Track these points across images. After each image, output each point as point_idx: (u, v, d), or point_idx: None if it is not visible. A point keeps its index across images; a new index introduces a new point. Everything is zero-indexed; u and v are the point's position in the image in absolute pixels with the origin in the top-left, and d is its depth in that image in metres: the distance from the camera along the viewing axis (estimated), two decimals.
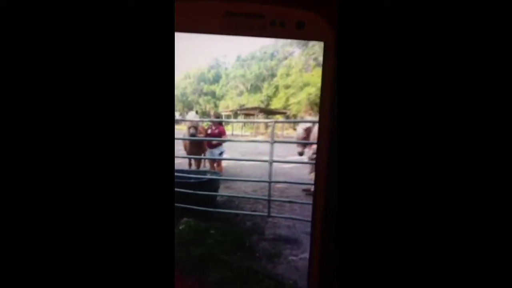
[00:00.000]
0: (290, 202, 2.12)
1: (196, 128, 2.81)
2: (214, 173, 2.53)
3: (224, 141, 2.91)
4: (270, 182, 1.90)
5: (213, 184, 2.20)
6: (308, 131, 2.66)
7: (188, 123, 2.89)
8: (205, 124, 3.01)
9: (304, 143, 2.55)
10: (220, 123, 3.09)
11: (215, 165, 3.03)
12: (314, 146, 2.57)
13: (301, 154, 2.86)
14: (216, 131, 2.90)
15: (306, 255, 1.62)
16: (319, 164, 0.29)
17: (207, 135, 2.83)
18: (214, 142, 2.87)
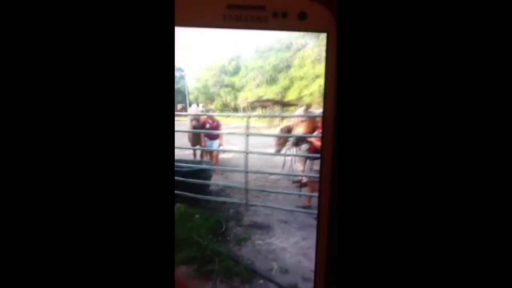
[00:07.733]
0: (269, 192, 2.25)
1: (198, 120, 2.97)
2: (208, 163, 2.69)
3: (220, 133, 3.03)
4: (246, 172, 2.04)
5: (204, 174, 2.37)
6: (284, 131, 2.77)
7: (190, 116, 3.05)
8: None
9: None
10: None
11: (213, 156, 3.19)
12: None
13: (277, 151, 2.92)
14: (215, 123, 3.03)
15: (273, 240, 1.75)
16: (324, 161, 0.27)
17: (206, 128, 2.97)
18: (213, 135, 3.02)
